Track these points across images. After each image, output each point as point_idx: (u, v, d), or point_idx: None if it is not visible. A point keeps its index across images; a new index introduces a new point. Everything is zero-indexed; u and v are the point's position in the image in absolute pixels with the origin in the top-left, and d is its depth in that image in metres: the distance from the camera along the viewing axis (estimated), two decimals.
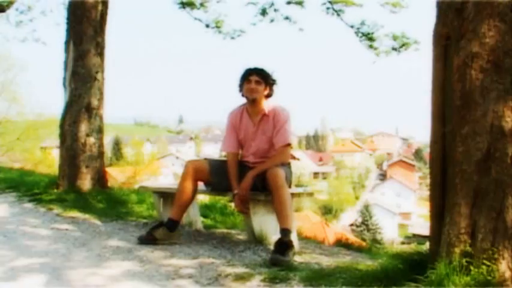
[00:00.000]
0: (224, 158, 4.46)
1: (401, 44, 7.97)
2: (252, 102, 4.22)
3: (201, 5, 8.65)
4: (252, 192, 4.03)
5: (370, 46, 8.14)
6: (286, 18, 8.23)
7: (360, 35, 8.13)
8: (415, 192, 64.39)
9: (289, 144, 4.17)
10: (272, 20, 8.28)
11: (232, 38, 8.81)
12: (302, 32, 8.52)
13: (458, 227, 2.56)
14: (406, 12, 8.00)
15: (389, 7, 7.88)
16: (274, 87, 4.27)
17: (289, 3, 8.04)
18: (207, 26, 8.81)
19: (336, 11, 8.06)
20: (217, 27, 8.80)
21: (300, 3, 8.03)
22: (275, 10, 8.25)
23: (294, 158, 63.98)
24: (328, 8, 8.06)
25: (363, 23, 8.09)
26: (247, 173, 4.06)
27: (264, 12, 8.26)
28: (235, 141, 4.30)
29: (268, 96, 4.25)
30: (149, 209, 6.12)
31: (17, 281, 3.18)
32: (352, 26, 8.15)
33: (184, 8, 8.65)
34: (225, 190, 4.26)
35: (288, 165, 4.20)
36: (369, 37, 8.08)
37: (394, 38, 7.97)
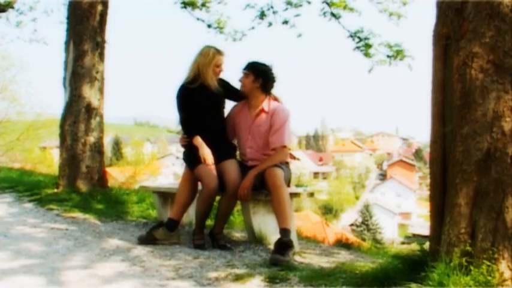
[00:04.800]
0: None
1: (396, 54, 7.91)
2: (247, 96, 4.23)
3: (203, 5, 8.58)
4: (252, 192, 4.03)
5: (366, 54, 8.08)
6: (285, 22, 8.14)
7: (356, 40, 8.09)
8: (415, 192, 64.33)
9: (285, 147, 4.14)
10: (270, 24, 8.17)
11: (234, 39, 8.71)
12: (302, 33, 8.44)
13: (458, 227, 2.56)
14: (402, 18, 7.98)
15: (387, 15, 7.85)
16: (273, 82, 4.21)
17: (289, 3, 7.95)
18: (209, 26, 8.71)
19: (334, 15, 8.02)
20: (220, 28, 8.70)
21: (298, 6, 7.94)
22: (274, 13, 8.16)
23: (293, 158, 63.98)
24: (325, 13, 8.02)
25: (359, 31, 8.04)
26: (247, 172, 4.06)
27: (262, 15, 8.18)
28: (231, 129, 4.33)
29: (264, 88, 4.17)
30: (149, 209, 6.13)
31: (16, 282, 3.17)
32: (348, 31, 8.11)
33: (185, 7, 8.58)
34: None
35: (286, 164, 4.19)
36: (365, 43, 8.03)
37: (390, 47, 7.91)
